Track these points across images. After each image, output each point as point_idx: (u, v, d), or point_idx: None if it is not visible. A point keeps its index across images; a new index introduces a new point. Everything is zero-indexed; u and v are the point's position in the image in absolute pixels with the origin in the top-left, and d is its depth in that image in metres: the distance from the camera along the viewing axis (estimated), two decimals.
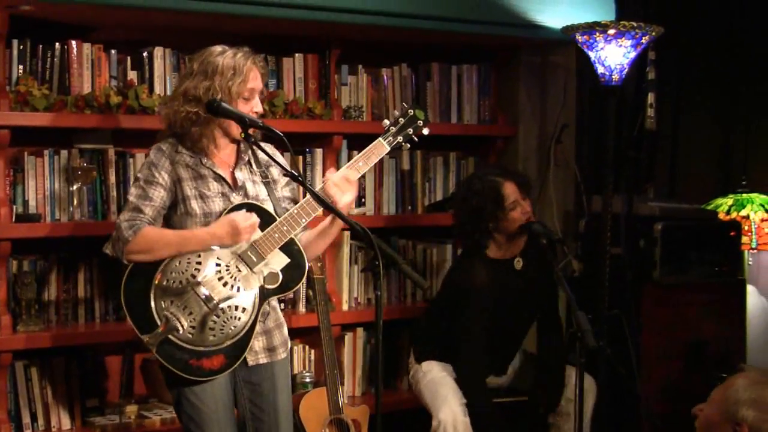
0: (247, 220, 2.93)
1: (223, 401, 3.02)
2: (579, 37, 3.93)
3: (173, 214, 3.03)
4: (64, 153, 3.75)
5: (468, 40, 4.46)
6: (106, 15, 3.67)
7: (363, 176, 3.27)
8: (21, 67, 3.67)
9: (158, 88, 3.87)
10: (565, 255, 4.24)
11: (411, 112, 3.16)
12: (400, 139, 3.15)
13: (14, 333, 3.61)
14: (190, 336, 2.92)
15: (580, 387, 3.37)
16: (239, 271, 2.97)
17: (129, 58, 3.87)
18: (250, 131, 2.99)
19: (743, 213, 4.39)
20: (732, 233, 4.32)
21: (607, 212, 3.98)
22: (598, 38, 3.87)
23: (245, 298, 2.97)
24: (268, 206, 3.05)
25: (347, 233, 4.21)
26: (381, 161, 3.31)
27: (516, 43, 4.56)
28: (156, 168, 2.99)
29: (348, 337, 4.32)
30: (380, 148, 3.13)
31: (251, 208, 3.00)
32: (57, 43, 3.72)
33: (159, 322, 2.90)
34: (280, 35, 4.14)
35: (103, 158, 3.82)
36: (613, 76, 3.93)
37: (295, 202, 3.09)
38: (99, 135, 3.82)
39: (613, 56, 3.89)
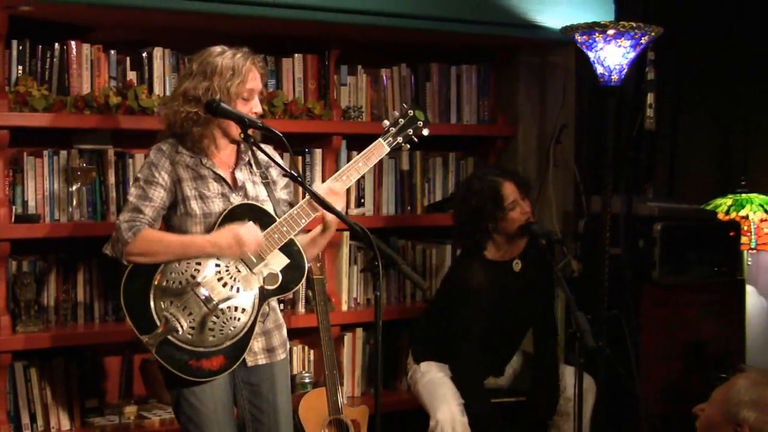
0: (252, 235, 2.92)
1: (222, 402, 3.01)
2: (578, 38, 3.92)
3: (173, 215, 3.03)
4: (63, 153, 3.74)
5: (467, 41, 4.46)
6: (105, 15, 3.67)
7: (362, 176, 3.26)
8: (20, 67, 3.66)
9: (158, 89, 3.87)
10: (564, 255, 4.23)
11: (411, 112, 3.16)
12: (399, 139, 3.15)
13: (13, 333, 3.60)
14: (189, 337, 2.92)
15: (580, 387, 3.36)
16: (239, 271, 2.97)
17: (128, 58, 3.87)
18: (250, 132, 2.98)
19: (742, 213, 4.39)
20: (731, 233, 4.32)
21: (607, 212, 3.98)
22: (597, 38, 3.86)
23: (245, 298, 2.96)
24: (268, 207, 3.04)
25: (347, 233, 4.21)
26: (380, 161, 3.30)
27: (515, 43, 4.56)
28: (156, 168, 2.99)
29: (347, 337, 4.31)
30: (380, 148, 3.13)
31: (251, 208, 3.00)
32: (56, 44, 3.71)
33: (158, 323, 2.90)
34: (280, 35, 4.14)
35: (103, 159, 3.82)
36: (613, 77, 3.93)
37: (291, 205, 3.08)
38: (98, 135, 3.82)
39: (613, 56, 3.89)
